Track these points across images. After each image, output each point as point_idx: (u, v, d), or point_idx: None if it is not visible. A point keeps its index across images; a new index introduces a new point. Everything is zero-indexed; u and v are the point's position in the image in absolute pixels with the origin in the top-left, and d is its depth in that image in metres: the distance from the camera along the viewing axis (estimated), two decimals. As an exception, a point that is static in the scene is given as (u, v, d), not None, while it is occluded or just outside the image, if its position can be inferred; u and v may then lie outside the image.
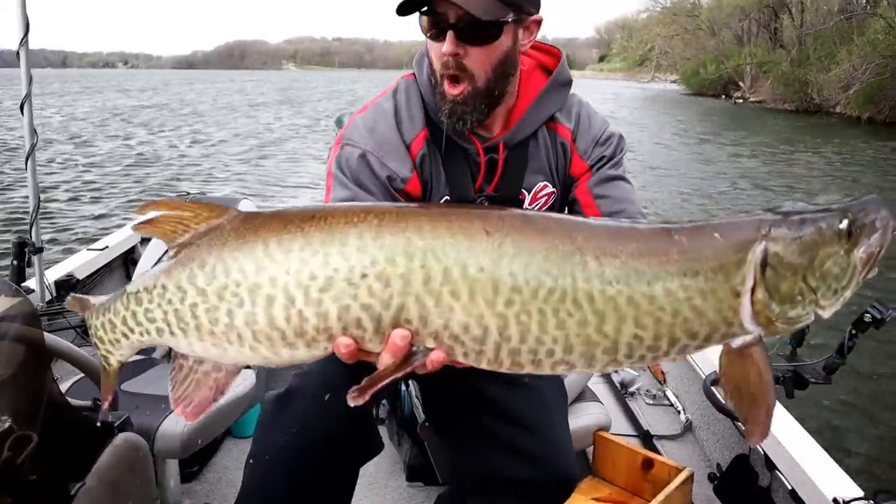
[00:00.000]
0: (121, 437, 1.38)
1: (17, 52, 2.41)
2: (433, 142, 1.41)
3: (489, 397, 1.51)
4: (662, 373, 3.06)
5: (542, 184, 1.46)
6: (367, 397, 0.87)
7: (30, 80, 2.44)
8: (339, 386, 1.31)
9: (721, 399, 2.21)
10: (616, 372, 3.13)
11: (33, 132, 2.52)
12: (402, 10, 1.27)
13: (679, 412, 2.76)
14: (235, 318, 0.85)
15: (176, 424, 2.02)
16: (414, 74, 1.46)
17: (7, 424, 1.19)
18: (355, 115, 1.45)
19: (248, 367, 0.95)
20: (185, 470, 2.35)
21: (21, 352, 1.28)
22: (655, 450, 2.43)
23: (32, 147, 2.52)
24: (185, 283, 0.87)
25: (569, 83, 1.48)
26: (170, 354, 0.97)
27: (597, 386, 2.96)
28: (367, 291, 0.83)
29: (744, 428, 0.92)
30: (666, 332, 0.84)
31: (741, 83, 41.20)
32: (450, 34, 1.23)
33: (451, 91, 1.29)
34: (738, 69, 40.05)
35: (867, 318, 1.86)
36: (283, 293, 0.83)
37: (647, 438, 2.54)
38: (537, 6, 1.35)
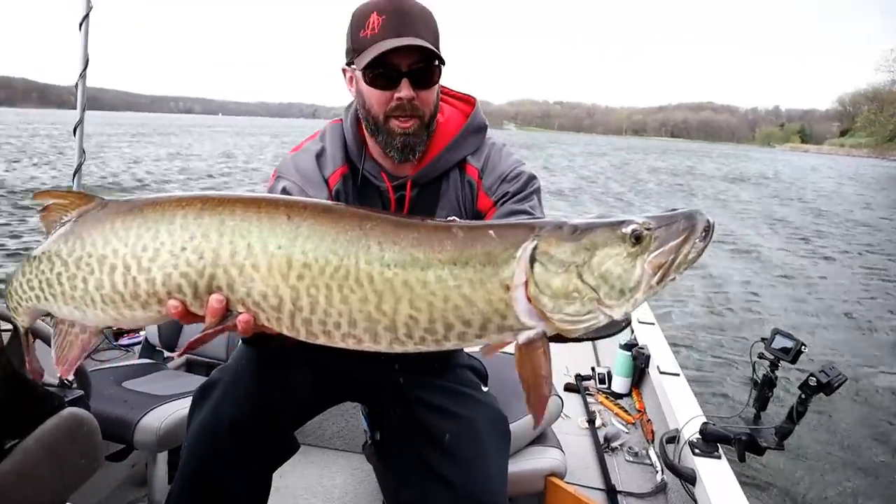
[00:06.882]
0: (68, 411, 1.57)
1: (76, 84, 2.81)
2: (351, 178, 1.57)
3: (427, 426, 1.58)
4: (652, 432, 3.00)
5: (451, 218, 1.55)
6: (189, 350, 1.09)
7: (83, 107, 2.82)
8: (247, 380, 1.46)
9: (669, 457, 2.17)
10: (604, 426, 3.10)
11: (82, 152, 2.90)
12: (372, 65, 1.38)
13: (657, 472, 2.69)
14: (89, 284, 1.04)
15: (154, 420, 2.20)
16: (340, 120, 1.63)
17: None
18: (289, 153, 1.64)
19: (108, 328, 1.12)
20: (173, 471, 2.51)
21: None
22: None
23: (80, 165, 2.89)
24: (53, 256, 1.07)
25: (483, 128, 1.60)
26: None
27: (579, 438, 2.95)
28: (186, 262, 1.00)
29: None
30: (439, 316, 0.95)
31: None
32: (405, 81, 1.39)
33: (403, 125, 1.44)
34: None
35: (812, 381, 1.82)
36: (121, 262, 1.02)
37: (611, 493, 2.49)
38: None
